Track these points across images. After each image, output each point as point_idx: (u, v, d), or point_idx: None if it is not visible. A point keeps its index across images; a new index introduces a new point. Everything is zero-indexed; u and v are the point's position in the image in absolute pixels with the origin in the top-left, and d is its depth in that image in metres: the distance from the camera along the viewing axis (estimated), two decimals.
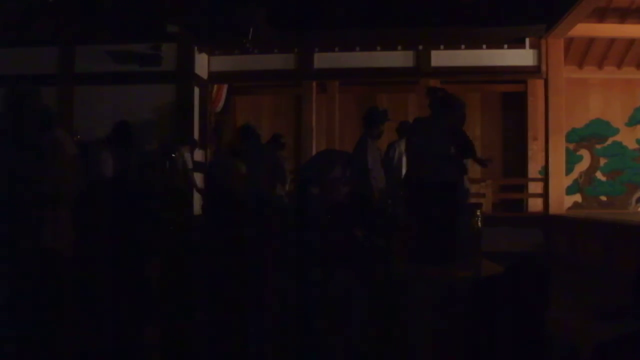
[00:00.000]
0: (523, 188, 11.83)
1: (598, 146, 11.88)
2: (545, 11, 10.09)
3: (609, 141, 11.85)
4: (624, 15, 10.19)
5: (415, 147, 5.58)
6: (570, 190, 11.51)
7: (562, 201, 10.72)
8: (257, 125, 8.79)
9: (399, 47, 10.97)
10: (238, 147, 7.76)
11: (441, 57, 10.88)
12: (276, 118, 12.36)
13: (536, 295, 1.90)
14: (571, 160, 11.53)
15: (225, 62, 11.19)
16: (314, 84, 11.29)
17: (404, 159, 7.26)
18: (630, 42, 11.03)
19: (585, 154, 11.90)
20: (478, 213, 6.39)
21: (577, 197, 11.86)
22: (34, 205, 3.96)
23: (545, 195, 10.72)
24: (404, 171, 7.02)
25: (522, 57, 10.76)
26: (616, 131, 11.83)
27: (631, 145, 11.83)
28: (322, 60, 11.10)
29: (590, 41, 11.05)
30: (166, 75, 10.23)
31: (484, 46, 10.78)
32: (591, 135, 11.85)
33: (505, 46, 10.78)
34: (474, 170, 9.15)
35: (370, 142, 6.80)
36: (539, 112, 11.25)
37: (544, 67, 10.62)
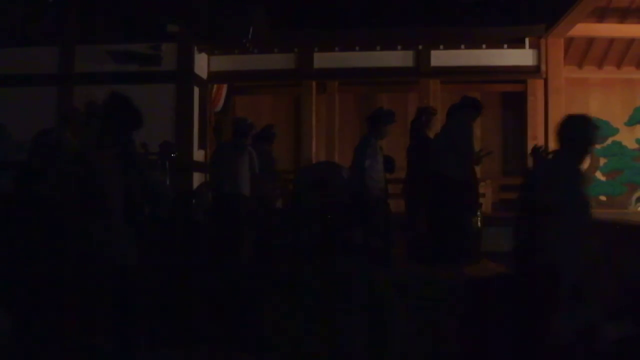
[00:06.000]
0: None
1: (598, 146, 11.85)
2: (545, 11, 10.10)
3: (609, 141, 11.80)
4: (623, 15, 10.20)
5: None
6: None
7: None
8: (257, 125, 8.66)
9: (399, 47, 10.96)
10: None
11: (441, 57, 10.87)
12: (276, 118, 12.35)
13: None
14: None
15: (225, 62, 11.19)
16: (314, 83, 11.28)
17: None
18: (630, 42, 11.02)
19: None
20: (478, 213, 6.42)
21: None
22: None
23: None
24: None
25: (521, 57, 10.76)
26: (616, 131, 11.78)
27: (631, 145, 11.79)
28: (322, 60, 11.10)
29: (590, 41, 11.03)
30: (166, 75, 10.23)
31: (484, 46, 10.78)
32: None
33: (505, 46, 10.78)
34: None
35: (372, 142, 6.82)
36: (539, 112, 11.23)
37: (543, 67, 10.61)
